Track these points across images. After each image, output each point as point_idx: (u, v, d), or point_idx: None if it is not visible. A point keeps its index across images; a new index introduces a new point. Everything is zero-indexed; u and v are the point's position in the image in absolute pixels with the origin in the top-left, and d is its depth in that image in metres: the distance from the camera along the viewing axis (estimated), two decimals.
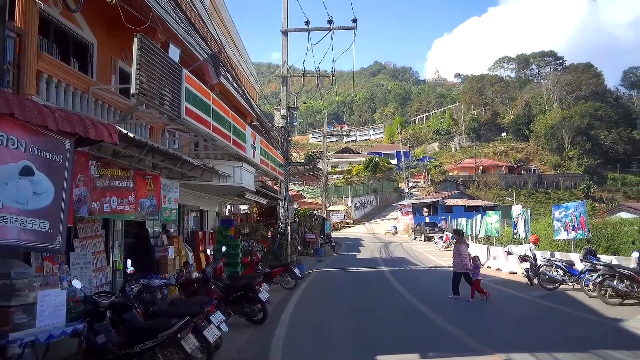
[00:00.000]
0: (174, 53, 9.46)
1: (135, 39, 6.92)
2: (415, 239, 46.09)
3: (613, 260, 13.05)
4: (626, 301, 11.14)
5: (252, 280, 9.63)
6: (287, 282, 14.68)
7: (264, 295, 9.44)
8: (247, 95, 15.22)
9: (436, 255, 28.96)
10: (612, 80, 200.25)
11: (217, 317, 6.83)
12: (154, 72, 7.34)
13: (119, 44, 10.90)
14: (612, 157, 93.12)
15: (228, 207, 21.75)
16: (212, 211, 17.39)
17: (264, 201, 22.25)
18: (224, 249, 13.14)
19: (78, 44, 9.85)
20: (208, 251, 13.96)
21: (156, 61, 7.41)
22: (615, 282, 11.23)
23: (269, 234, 22.82)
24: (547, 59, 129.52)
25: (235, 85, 13.72)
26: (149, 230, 11.34)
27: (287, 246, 19.82)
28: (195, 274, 9.91)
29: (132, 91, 6.89)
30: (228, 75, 12.97)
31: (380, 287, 15.30)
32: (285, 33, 20.07)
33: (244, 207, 25.09)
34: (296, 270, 15.08)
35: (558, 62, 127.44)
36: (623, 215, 47.33)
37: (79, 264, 8.09)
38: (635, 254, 11.87)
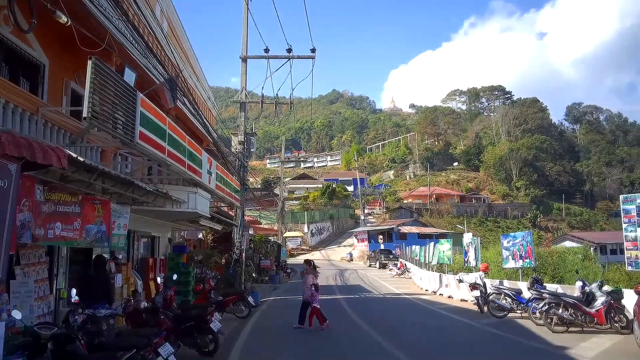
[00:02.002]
0: (130, 76, 9.33)
1: (89, 62, 6.80)
2: (370, 266, 46.38)
3: (558, 288, 13.53)
4: (571, 329, 11.47)
5: (204, 310, 9.40)
6: (241, 310, 14.38)
7: (215, 325, 9.21)
8: (204, 119, 15.13)
9: (391, 282, 29.22)
10: (556, 114, 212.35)
11: (166, 349, 6.62)
12: (108, 95, 7.21)
13: (73, 66, 10.65)
14: (557, 188, 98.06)
15: (181, 232, 21.28)
16: (164, 237, 16.96)
17: (218, 227, 21.90)
18: (175, 276, 12.77)
19: (29, 64, 9.56)
20: (158, 279, 13.51)
21: (110, 84, 7.30)
22: (560, 311, 11.61)
23: (223, 260, 22.40)
24: (496, 93, 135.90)
25: (192, 110, 13.64)
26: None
27: (241, 273, 19.52)
28: (143, 303, 9.55)
29: (84, 114, 6.73)
30: (185, 99, 12.90)
31: (335, 316, 15.21)
32: (244, 60, 20.20)
33: (198, 233, 24.58)
34: (250, 299, 14.82)
35: (506, 96, 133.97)
36: (568, 244, 49.64)
37: (20, 292, 7.67)
38: (578, 283, 12.36)
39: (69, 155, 6.09)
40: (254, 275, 25.88)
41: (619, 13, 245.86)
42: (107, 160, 10.64)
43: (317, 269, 13.69)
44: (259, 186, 52.09)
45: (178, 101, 12.61)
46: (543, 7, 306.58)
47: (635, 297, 10.03)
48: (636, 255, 12.97)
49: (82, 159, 6.91)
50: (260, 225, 49.12)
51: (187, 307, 11.30)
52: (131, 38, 9.62)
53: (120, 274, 11.36)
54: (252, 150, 22.26)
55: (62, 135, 9.01)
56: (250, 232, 31.64)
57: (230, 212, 22.99)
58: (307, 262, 13.80)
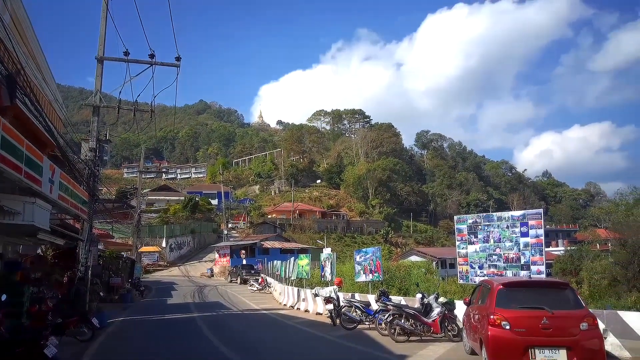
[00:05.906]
0: None
1: None
2: (231, 281, 45.73)
3: (402, 300, 14.68)
4: (412, 338, 12.44)
5: (37, 334, 8.47)
6: (83, 333, 13.15)
7: (50, 350, 8.34)
8: (49, 122, 13.71)
9: (251, 298, 29.12)
10: (408, 140, 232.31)
11: None
12: None
13: None
14: (406, 207, 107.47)
15: (15, 247, 18.85)
16: None
17: (61, 242, 19.78)
18: (4, 297, 11.24)
19: None
20: None
21: None
22: (402, 321, 12.58)
23: (66, 279, 20.30)
24: (357, 116, 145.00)
25: (35, 111, 12.28)
26: None
27: (86, 292, 17.86)
28: None
29: None
30: (26, 99, 11.59)
31: (189, 335, 14.74)
32: (100, 60, 18.79)
33: (37, 248, 22.00)
34: (94, 320, 13.64)
35: (366, 120, 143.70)
36: (414, 258, 54.48)
37: None
38: (418, 295, 13.54)
39: None
40: (101, 294, 23.90)
41: (465, 53, 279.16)
42: None
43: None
44: (113, 197, 48.42)
45: (18, 100, 11.30)
46: (402, 40, 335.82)
47: (465, 307, 11.34)
48: (466, 270, 14.78)
49: None
50: (113, 240, 45.52)
51: (19, 331, 10.05)
52: None
53: None
54: (105, 158, 20.64)
55: None
56: (100, 247, 29.23)
57: (77, 225, 20.99)
58: None
